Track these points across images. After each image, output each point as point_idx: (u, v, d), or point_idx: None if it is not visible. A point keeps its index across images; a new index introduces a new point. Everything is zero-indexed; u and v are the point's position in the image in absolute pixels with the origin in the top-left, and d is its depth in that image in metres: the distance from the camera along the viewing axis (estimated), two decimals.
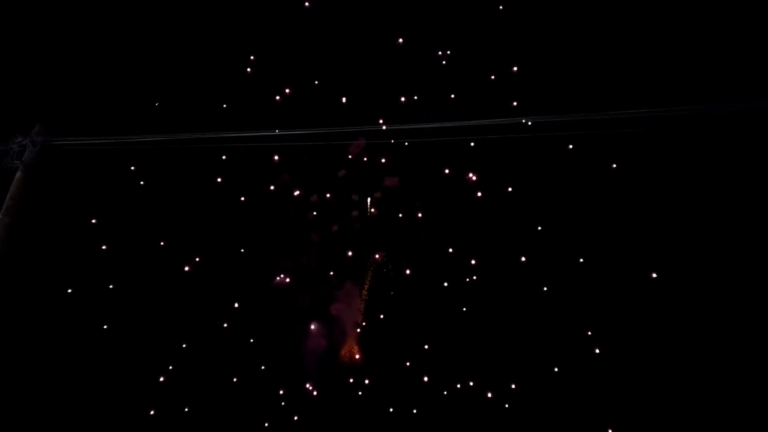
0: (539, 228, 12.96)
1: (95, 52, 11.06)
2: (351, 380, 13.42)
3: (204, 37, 12.15)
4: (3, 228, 6.82)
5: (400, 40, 12.83)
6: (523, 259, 13.03)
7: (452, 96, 13.02)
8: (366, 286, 13.92)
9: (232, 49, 12.53)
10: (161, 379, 12.11)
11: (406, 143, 12.88)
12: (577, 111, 7.13)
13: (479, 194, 13.24)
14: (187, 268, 12.70)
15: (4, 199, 7.12)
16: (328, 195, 13.59)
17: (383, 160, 13.72)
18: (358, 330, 13.84)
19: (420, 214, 13.49)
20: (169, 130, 7.64)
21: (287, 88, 13.03)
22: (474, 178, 13.25)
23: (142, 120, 11.34)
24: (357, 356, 13.56)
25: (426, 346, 13.45)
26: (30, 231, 9.58)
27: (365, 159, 13.70)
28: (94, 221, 11.47)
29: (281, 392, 13.15)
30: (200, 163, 12.60)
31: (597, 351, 12.30)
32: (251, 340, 13.24)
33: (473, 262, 13.38)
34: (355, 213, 13.62)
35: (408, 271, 13.57)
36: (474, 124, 7.79)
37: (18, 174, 7.26)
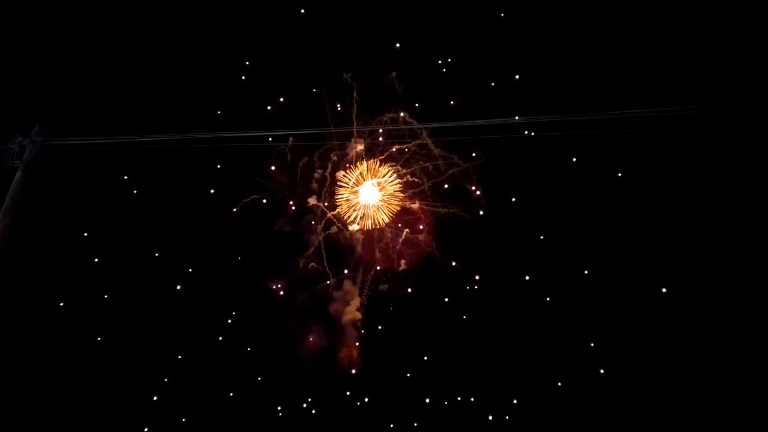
0: (541, 237, 12.86)
1: (95, 52, 11.16)
2: (349, 393, 13.39)
3: (202, 39, 12.24)
4: (2, 228, 6.90)
5: (397, 44, 12.86)
6: (526, 268, 12.99)
7: (452, 102, 13.05)
8: (366, 290, 13.96)
9: (228, 54, 12.63)
10: (155, 398, 12.13)
11: (406, 149, 12.96)
12: (579, 116, 7.16)
13: (480, 201, 13.22)
14: (188, 271, 12.77)
15: (4, 199, 7.21)
16: (325, 199, 13.67)
17: (381, 167, 13.78)
18: (358, 332, 13.86)
19: (421, 226, 13.49)
20: (166, 131, 7.74)
21: (283, 93, 13.13)
22: (475, 187, 13.23)
23: (141, 120, 11.43)
24: (355, 358, 13.58)
25: (425, 358, 13.39)
26: (30, 231, 9.67)
27: (364, 164, 13.76)
28: (92, 224, 11.55)
29: (279, 408, 13.17)
30: (197, 167, 12.67)
31: (602, 371, 12.13)
32: (248, 349, 13.28)
33: (475, 268, 13.38)
34: (353, 213, 13.61)
35: (409, 290, 13.55)
36: (474, 124, 7.83)
37: (18, 174, 7.36)
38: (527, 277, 12.97)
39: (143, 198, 12.36)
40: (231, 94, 12.83)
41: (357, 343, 13.79)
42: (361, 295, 14.14)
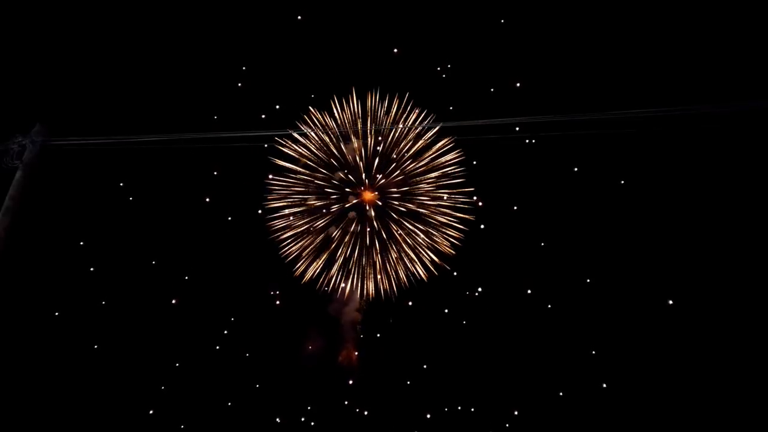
0: (542, 244, 12.73)
1: (95, 52, 11.20)
2: (347, 402, 13.31)
3: (202, 40, 12.28)
4: (3, 228, 6.93)
5: (395, 50, 12.84)
6: (527, 276, 12.89)
7: (451, 108, 13.06)
8: (366, 292, 13.87)
9: (226, 59, 12.66)
10: (151, 411, 12.11)
11: (404, 155, 12.88)
12: (579, 116, 7.17)
13: (482, 209, 13.13)
14: (185, 278, 12.76)
15: (4, 199, 7.23)
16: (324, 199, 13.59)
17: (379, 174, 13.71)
18: (357, 333, 13.81)
19: (422, 236, 13.34)
20: (165, 131, 7.77)
21: (280, 99, 13.13)
22: (477, 198, 13.12)
23: (140, 120, 11.46)
24: (354, 362, 13.53)
25: (425, 366, 13.30)
26: (30, 231, 9.69)
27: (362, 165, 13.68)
28: (91, 225, 11.55)
29: (277, 420, 13.13)
30: (196, 169, 12.66)
31: (604, 385, 11.94)
32: (247, 355, 13.25)
33: (475, 276, 13.29)
34: (352, 214, 13.21)
35: (411, 303, 13.45)
36: (473, 125, 7.84)
37: (18, 174, 7.39)
38: (528, 289, 12.87)
39: (141, 200, 12.38)
40: (229, 96, 12.86)
41: (356, 346, 13.74)
42: (360, 296, 14.09)
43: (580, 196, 12.39)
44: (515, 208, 12.94)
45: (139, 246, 12.38)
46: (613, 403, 11.80)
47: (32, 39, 10.79)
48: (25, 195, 7.33)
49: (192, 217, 12.84)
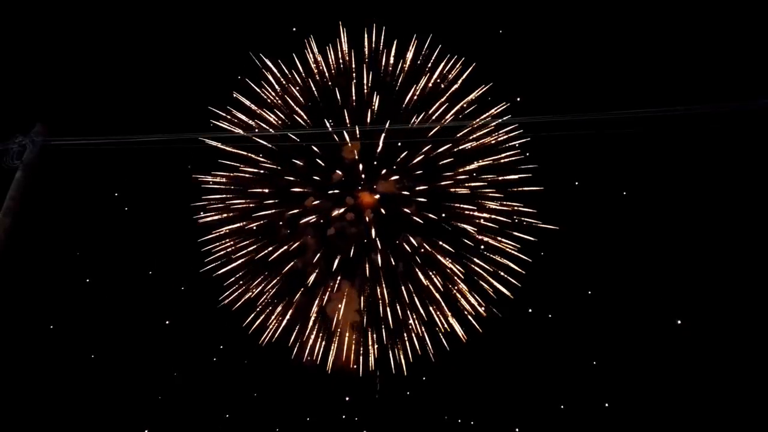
0: (542, 253, 12.68)
1: (95, 53, 11.21)
2: (344, 416, 13.24)
3: (202, 41, 12.29)
4: (3, 229, 6.93)
5: (393, 60, 12.90)
6: (528, 286, 12.84)
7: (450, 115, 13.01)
8: (365, 293, 13.82)
9: (228, 57, 12.67)
10: (148, 421, 12.11)
11: (403, 157, 12.76)
12: (579, 116, 7.19)
13: (483, 216, 13.07)
14: (182, 287, 12.77)
15: (4, 199, 7.25)
16: (323, 199, 13.56)
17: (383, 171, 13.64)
18: (356, 334, 13.77)
19: (424, 248, 13.18)
20: (166, 131, 7.78)
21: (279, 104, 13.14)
22: (478, 204, 13.03)
23: (140, 120, 11.46)
24: (353, 361, 13.50)
25: (424, 378, 13.25)
26: (30, 231, 9.69)
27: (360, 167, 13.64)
28: (90, 226, 11.53)
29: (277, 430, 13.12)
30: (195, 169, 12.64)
31: (606, 405, 11.84)
32: (245, 361, 13.27)
33: (477, 286, 13.24)
34: (350, 216, 12.96)
35: (411, 320, 13.39)
36: (475, 125, 7.84)
37: (18, 174, 7.40)
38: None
39: (140, 202, 12.37)
40: (229, 97, 12.83)
41: (354, 350, 13.69)
42: (359, 297, 14.03)
43: (581, 203, 12.34)
44: (516, 219, 12.86)
45: (138, 248, 12.36)
46: (614, 416, 11.74)
47: (32, 39, 10.80)
48: (25, 195, 7.35)
49: (191, 217, 12.83)
